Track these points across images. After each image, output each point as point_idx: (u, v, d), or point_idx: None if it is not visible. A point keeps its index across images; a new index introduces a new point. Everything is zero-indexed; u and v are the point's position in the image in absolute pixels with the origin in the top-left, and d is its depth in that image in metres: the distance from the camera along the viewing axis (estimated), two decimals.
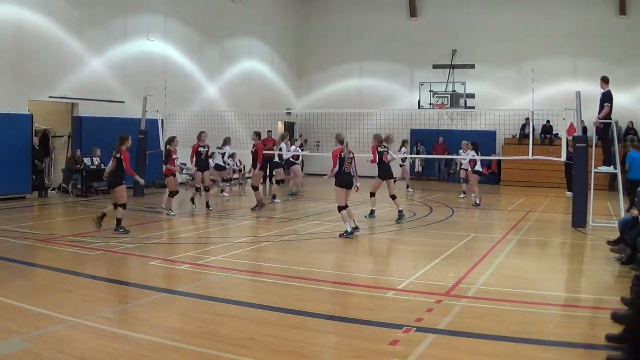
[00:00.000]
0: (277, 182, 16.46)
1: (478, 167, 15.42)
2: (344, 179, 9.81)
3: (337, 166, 9.71)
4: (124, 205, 10.01)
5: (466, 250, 9.04)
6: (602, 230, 10.52)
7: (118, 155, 10.07)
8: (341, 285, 6.81)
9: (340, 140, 9.94)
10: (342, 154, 9.79)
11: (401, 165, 18.27)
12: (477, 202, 14.83)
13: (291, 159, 16.04)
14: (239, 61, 23.25)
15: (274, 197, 15.16)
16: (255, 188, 13.43)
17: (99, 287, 6.50)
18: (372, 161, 11.88)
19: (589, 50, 21.79)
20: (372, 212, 12.15)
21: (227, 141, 16.77)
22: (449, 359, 4.48)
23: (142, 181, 11.77)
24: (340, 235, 9.76)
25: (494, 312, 5.72)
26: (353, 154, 9.97)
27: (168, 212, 12.24)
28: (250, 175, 13.97)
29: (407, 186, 18.66)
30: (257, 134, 13.57)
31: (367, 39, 25.52)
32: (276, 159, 15.73)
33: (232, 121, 20.36)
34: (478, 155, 15.42)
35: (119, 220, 9.86)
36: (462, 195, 16.64)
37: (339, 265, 8.16)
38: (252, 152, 13.47)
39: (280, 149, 15.70)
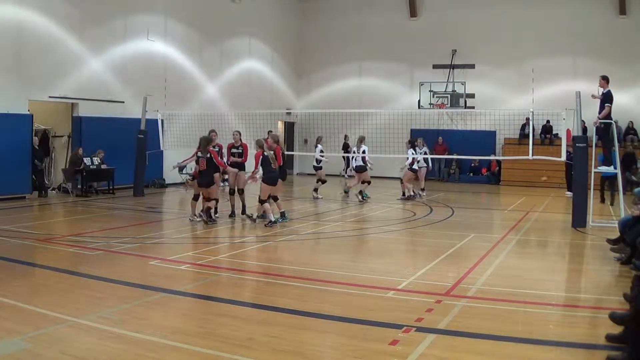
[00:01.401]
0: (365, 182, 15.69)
1: (415, 166, 15.90)
2: (272, 177, 10.86)
3: (260, 167, 10.84)
4: (216, 200, 11.26)
5: (466, 250, 9.04)
6: (602, 230, 10.52)
7: (209, 156, 10.86)
8: (341, 285, 6.81)
9: (260, 145, 10.92)
10: (266, 154, 10.75)
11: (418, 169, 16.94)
12: (406, 195, 15.91)
13: (368, 162, 15.66)
14: (239, 61, 23.26)
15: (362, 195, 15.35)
16: (237, 192, 12.00)
17: (99, 287, 6.49)
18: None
19: (589, 50, 21.78)
20: (283, 214, 11.40)
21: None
22: (449, 359, 4.48)
23: (229, 170, 11.86)
24: (266, 225, 10.69)
25: (494, 312, 5.72)
26: (275, 154, 11.06)
27: (200, 219, 11.13)
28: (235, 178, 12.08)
29: (423, 189, 17.14)
30: (239, 133, 12.30)
31: (367, 39, 25.52)
32: (359, 162, 15.39)
33: (232, 121, 20.37)
34: (415, 153, 15.76)
35: (209, 213, 11.00)
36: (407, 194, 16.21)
37: (339, 265, 8.16)
38: (238, 152, 11.87)
39: (364, 152, 15.40)
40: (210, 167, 10.90)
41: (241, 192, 12.09)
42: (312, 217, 12.53)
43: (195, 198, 11.48)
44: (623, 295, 5.61)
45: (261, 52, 24.53)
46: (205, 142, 10.98)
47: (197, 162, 11.07)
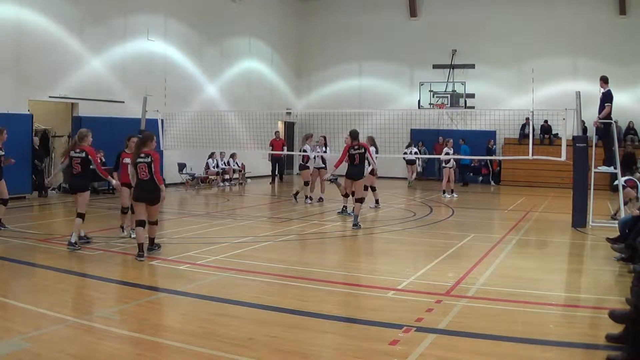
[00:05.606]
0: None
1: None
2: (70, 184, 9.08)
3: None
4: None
5: (466, 250, 9.04)
6: (602, 230, 10.52)
7: (84, 155, 8.66)
8: (341, 285, 6.81)
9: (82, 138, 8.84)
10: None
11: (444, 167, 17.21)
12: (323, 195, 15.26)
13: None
14: (239, 61, 23.26)
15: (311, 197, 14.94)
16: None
17: (99, 287, 6.50)
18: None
19: (589, 50, 21.80)
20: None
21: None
22: (449, 359, 4.48)
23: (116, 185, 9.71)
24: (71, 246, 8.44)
25: (494, 312, 5.72)
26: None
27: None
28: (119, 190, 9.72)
29: (452, 191, 17.22)
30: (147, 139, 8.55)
31: (367, 39, 25.53)
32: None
33: (232, 121, 20.38)
34: (324, 151, 15.50)
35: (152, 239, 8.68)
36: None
37: (339, 265, 8.16)
38: (147, 162, 7.99)
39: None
40: (86, 170, 8.71)
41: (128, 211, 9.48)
42: (312, 217, 12.53)
43: (124, 211, 9.56)
44: (625, 300, 5.60)
45: (261, 52, 24.53)
46: (79, 138, 8.84)
47: (70, 162, 8.77)
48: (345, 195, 11.79)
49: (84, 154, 8.66)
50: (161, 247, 8.36)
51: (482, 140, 22.27)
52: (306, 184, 15.19)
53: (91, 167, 8.85)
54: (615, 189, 10.92)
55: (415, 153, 20.37)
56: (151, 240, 8.23)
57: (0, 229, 9.87)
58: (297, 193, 15.20)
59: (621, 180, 9.04)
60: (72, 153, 8.74)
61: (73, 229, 8.45)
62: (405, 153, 20.00)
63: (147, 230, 8.05)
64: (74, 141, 9.01)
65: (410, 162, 20.54)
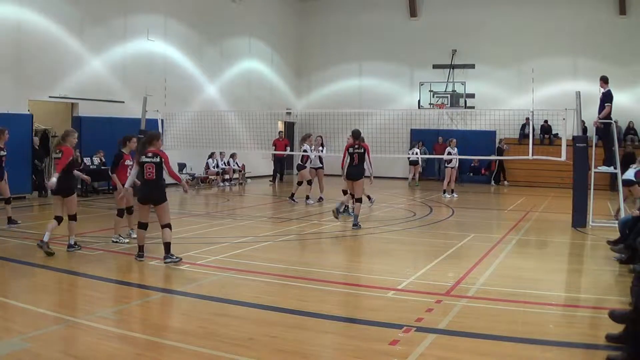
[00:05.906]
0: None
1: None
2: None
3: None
4: (129, 210, 9.22)
5: (466, 250, 9.04)
6: (602, 230, 10.52)
7: (60, 156, 8.20)
8: (341, 285, 6.81)
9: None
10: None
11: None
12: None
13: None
14: (239, 61, 23.26)
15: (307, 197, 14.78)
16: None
17: (99, 287, 6.49)
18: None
19: (589, 50, 21.81)
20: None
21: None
22: (449, 359, 4.48)
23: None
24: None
25: (494, 312, 5.72)
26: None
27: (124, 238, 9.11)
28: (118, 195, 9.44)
29: (452, 191, 17.17)
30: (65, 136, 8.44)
31: (367, 39, 25.54)
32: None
33: (232, 121, 20.38)
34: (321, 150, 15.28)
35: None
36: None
37: (339, 265, 8.16)
38: (156, 162, 7.85)
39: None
40: (69, 172, 8.24)
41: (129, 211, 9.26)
42: (312, 217, 12.53)
43: (120, 214, 9.25)
44: (629, 305, 5.58)
45: (261, 52, 24.54)
46: (61, 137, 8.37)
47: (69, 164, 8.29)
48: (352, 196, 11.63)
49: (60, 155, 8.13)
50: (181, 260, 7.63)
51: (482, 140, 22.28)
52: (299, 184, 15.19)
53: (75, 170, 8.58)
54: (626, 185, 10.90)
55: (416, 154, 20.65)
56: (167, 245, 7.57)
57: (12, 226, 10.17)
58: (292, 195, 15.21)
59: (630, 174, 8.99)
60: (54, 154, 8.42)
61: (69, 232, 8.37)
62: (408, 154, 20.52)
63: (162, 236, 7.66)
64: (57, 141, 8.69)
65: (414, 163, 21.42)
